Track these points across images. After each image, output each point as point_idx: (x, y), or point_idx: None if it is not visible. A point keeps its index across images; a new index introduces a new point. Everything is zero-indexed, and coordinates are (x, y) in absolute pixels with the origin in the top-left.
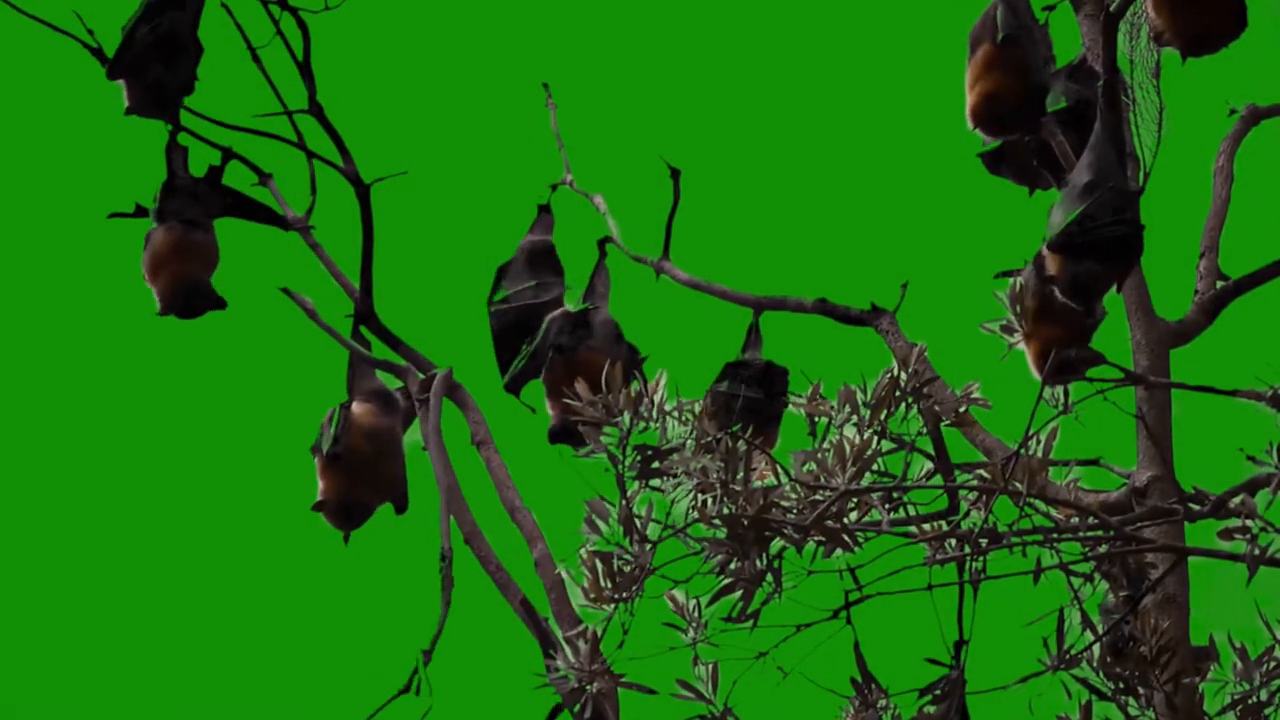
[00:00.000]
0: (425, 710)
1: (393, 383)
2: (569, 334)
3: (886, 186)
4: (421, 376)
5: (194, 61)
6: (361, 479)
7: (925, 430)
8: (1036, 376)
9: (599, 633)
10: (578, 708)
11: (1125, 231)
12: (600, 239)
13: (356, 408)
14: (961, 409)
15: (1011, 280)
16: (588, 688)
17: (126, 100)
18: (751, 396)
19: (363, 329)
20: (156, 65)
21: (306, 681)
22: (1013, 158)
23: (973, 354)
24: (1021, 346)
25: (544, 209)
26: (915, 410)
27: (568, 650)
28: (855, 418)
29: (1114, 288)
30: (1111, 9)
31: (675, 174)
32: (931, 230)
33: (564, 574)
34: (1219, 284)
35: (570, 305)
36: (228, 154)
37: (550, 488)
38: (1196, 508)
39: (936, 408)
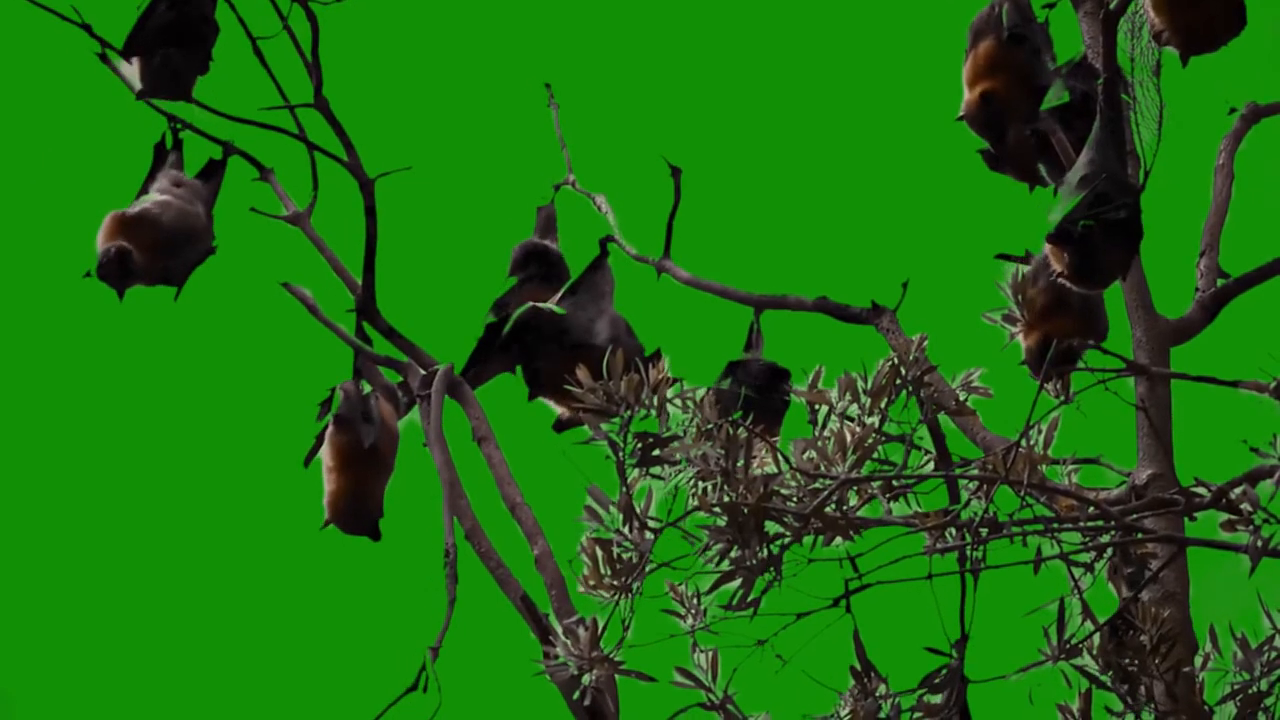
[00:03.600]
0: (435, 708)
1: (393, 378)
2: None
3: (887, 184)
4: (423, 373)
5: (210, 42)
6: (376, 480)
7: (924, 420)
8: (1029, 368)
9: (600, 619)
10: (576, 695)
11: (1124, 215)
12: (602, 238)
13: (384, 405)
14: (963, 397)
15: (1014, 270)
16: (586, 676)
17: (139, 82)
18: (754, 396)
19: (364, 324)
20: (172, 46)
21: (313, 680)
22: (1013, 155)
23: (972, 352)
24: (1020, 339)
25: (540, 210)
26: (915, 399)
27: (566, 639)
28: (856, 405)
29: (1119, 278)
30: (1111, 7)
31: (676, 173)
32: (932, 228)
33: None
34: (1219, 282)
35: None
36: (228, 148)
37: (551, 484)
38: (1199, 497)
39: (936, 395)
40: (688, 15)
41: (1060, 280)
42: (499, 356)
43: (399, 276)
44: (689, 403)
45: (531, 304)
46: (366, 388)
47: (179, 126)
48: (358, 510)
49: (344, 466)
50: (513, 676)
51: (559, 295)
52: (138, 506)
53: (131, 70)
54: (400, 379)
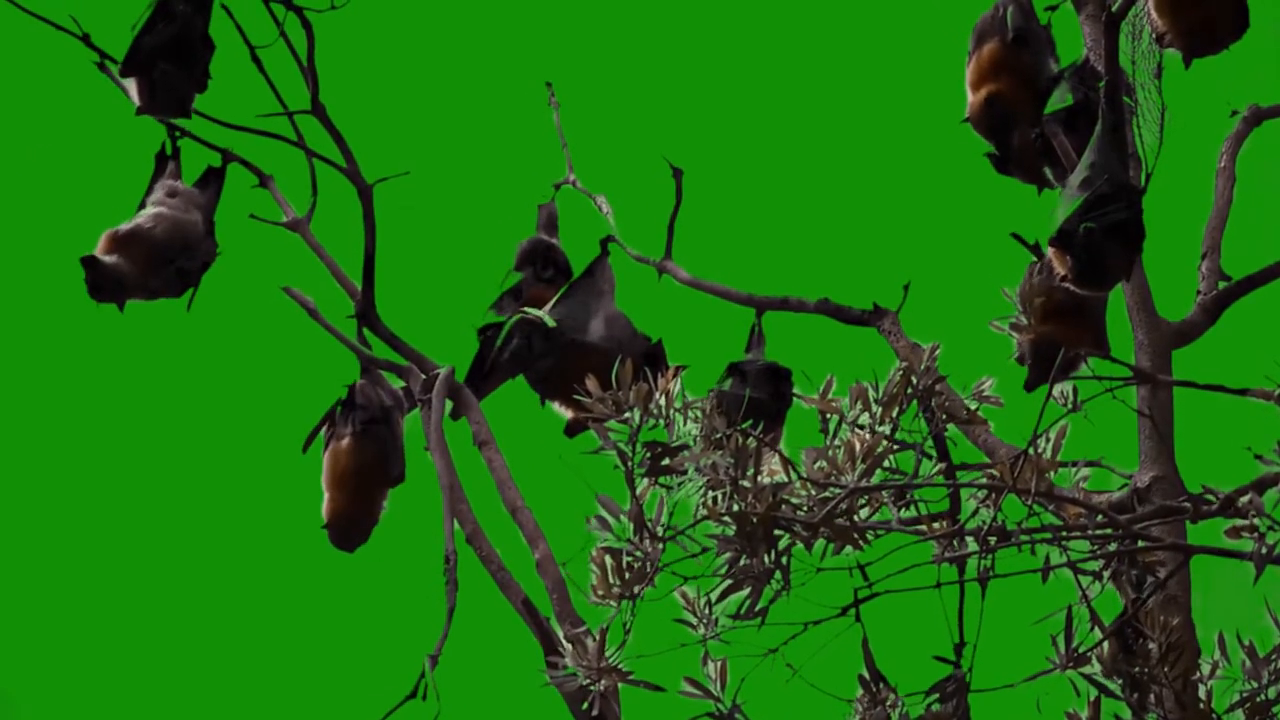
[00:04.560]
0: (434, 715)
1: (395, 382)
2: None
3: (889, 186)
4: (424, 377)
5: (206, 60)
6: (381, 499)
7: (933, 432)
8: (1026, 369)
9: (607, 629)
10: (585, 705)
11: (1125, 216)
12: (603, 238)
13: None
14: (974, 407)
15: (1026, 272)
16: (594, 686)
17: (137, 100)
18: (755, 397)
19: (365, 330)
20: (169, 64)
21: (312, 686)
22: (1018, 158)
23: (975, 356)
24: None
25: (542, 208)
26: (923, 411)
27: (572, 648)
28: (867, 415)
29: (1123, 279)
30: (1113, 10)
31: (678, 174)
32: (934, 230)
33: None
34: (1221, 284)
35: (537, 315)
36: (227, 155)
37: (552, 488)
38: (1207, 504)
39: (947, 404)
40: (690, 15)
41: (1064, 285)
42: (500, 367)
43: (398, 282)
44: (697, 412)
45: (521, 315)
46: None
47: (178, 135)
48: (352, 533)
49: (358, 487)
50: (514, 681)
51: (556, 298)
52: (139, 510)
53: (129, 83)
54: (402, 383)
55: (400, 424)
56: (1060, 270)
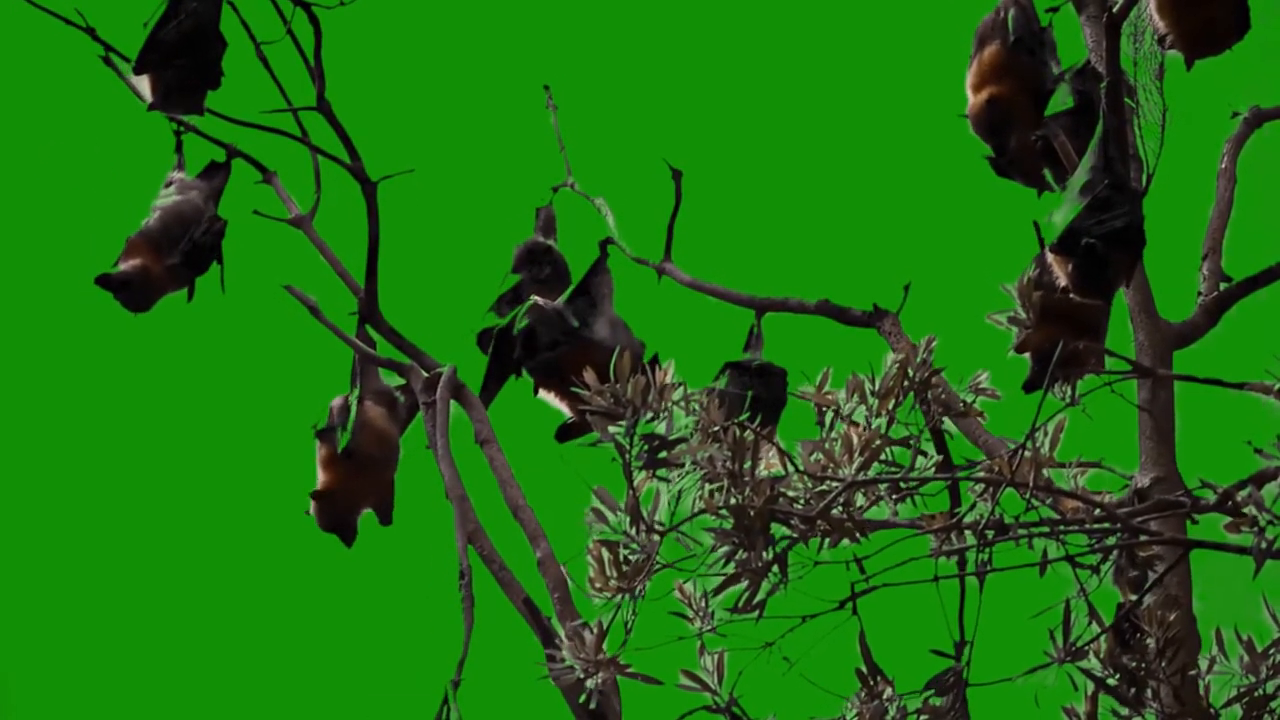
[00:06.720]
0: None
1: (395, 380)
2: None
3: (889, 187)
4: (425, 375)
5: (218, 56)
6: (362, 482)
7: (929, 425)
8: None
9: (608, 622)
10: (582, 698)
11: (1125, 223)
12: (602, 240)
13: (370, 409)
14: (971, 399)
15: (1021, 275)
16: (592, 680)
17: (149, 97)
18: (750, 395)
19: (367, 327)
20: (183, 62)
21: (309, 684)
22: (1018, 161)
23: (975, 356)
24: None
25: (540, 211)
26: (921, 403)
27: (570, 641)
28: (863, 407)
29: (1123, 285)
30: (1114, 11)
31: (677, 175)
32: (934, 231)
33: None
34: (1222, 286)
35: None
36: (232, 151)
37: (553, 487)
38: (1205, 499)
39: (944, 396)
40: (688, 16)
41: (1064, 294)
42: (510, 360)
43: (401, 279)
44: (695, 405)
45: (535, 299)
46: (354, 397)
47: (183, 130)
48: (331, 509)
49: (323, 470)
50: (515, 680)
51: (562, 299)
52: (139, 509)
53: (141, 81)
54: (403, 381)
55: (366, 409)
56: (1060, 277)
